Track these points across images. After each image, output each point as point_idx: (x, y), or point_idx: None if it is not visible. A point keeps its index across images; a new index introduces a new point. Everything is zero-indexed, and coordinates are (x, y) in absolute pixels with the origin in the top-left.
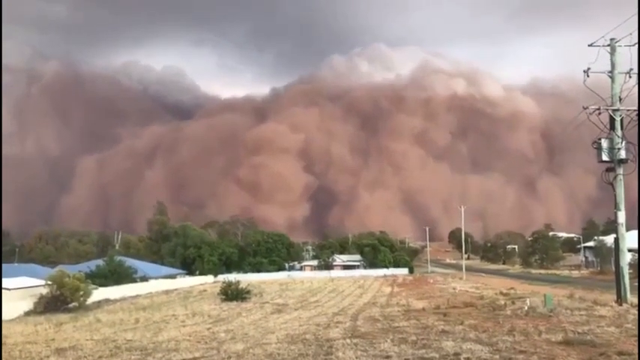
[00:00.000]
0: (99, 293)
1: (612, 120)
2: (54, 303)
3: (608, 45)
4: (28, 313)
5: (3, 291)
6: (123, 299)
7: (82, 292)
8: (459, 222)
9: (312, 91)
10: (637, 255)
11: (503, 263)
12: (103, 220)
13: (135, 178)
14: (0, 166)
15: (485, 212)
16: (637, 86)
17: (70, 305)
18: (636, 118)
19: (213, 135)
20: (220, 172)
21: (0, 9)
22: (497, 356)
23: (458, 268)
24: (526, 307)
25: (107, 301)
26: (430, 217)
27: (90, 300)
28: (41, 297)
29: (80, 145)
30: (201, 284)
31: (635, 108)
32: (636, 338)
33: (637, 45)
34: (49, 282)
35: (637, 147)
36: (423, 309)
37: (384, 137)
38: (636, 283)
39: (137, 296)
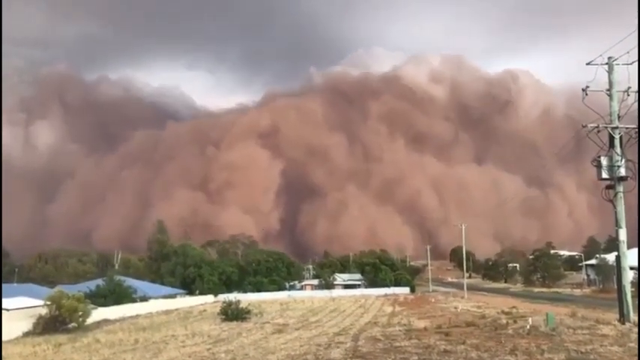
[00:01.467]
0: (98, 313)
1: (611, 138)
2: (53, 323)
3: (606, 64)
4: (26, 334)
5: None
6: (122, 319)
7: (80, 313)
8: (457, 219)
9: (294, 90)
10: (638, 273)
11: (505, 282)
12: (79, 225)
13: (113, 181)
14: (0, 182)
15: (496, 214)
16: (635, 104)
17: (69, 326)
18: (635, 135)
19: (189, 134)
20: (179, 171)
21: (0, 10)
22: None
23: (459, 286)
24: (528, 326)
25: (106, 321)
26: (420, 213)
27: (89, 320)
28: (40, 317)
29: (74, 147)
30: (201, 304)
31: (634, 126)
32: (638, 358)
33: (635, 62)
34: (48, 302)
35: (637, 164)
36: (425, 328)
37: (364, 124)
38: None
39: (137, 316)
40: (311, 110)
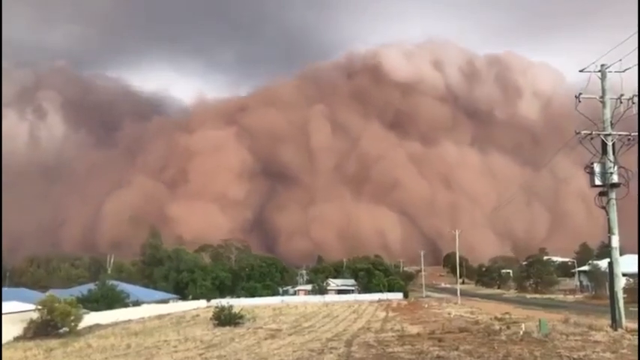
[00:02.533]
0: (90, 318)
1: (604, 145)
2: (44, 328)
3: (599, 71)
4: (17, 339)
5: None
6: (115, 324)
7: (72, 317)
8: (448, 213)
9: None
10: (634, 279)
11: (498, 287)
12: (54, 222)
13: (89, 173)
14: (0, 185)
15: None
16: (627, 111)
17: (61, 330)
18: (627, 142)
19: (170, 127)
20: (148, 161)
21: (0, 9)
22: None
23: (453, 292)
24: (521, 332)
25: (98, 326)
26: (402, 201)
27: (81, 325)
28: (31, 322)
29: (68, 141)
30: (194, 309)
31: (627, 133)
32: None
33: (628, 70)
34: (40, 307)
35: (636, 171)
36: (418, 334)
37: (343, 106)
38: (631, 308)
39: (129, 321)
40: (285, 92)
